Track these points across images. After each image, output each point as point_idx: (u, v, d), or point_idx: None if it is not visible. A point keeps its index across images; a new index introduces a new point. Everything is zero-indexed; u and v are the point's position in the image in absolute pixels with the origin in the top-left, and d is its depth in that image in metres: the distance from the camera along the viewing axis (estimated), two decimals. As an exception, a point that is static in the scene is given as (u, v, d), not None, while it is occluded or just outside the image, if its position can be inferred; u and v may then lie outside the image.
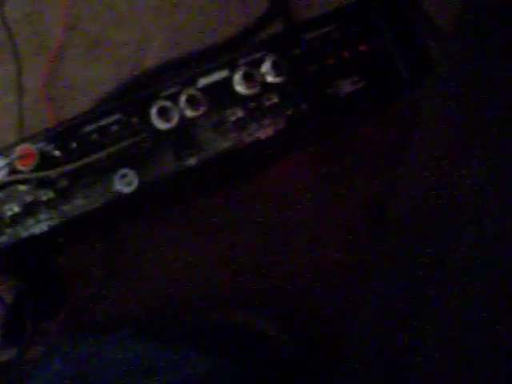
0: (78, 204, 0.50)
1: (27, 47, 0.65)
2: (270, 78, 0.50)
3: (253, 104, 0.50)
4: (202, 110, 0.50)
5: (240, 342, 0.58)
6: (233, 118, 0.50)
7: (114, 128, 0.50)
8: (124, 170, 0.49)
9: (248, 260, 0.64)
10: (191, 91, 0.49)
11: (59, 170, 0.48)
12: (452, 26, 0.49)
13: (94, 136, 0.50)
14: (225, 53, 0.51)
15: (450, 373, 0.41)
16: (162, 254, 0.63)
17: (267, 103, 0.50)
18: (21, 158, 0.47)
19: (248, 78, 0.49)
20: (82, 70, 0.65)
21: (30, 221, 0.50)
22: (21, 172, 0.47)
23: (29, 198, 0.49)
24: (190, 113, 0.50)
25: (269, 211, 0.63)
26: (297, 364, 0.59)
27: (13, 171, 0.48)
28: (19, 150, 0.47)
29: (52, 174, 0.48)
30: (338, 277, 0.62)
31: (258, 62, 0.50)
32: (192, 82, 0.50)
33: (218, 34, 0.64)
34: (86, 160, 0.48)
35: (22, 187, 0.49)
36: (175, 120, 0.50)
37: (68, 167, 0.48)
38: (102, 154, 0.48)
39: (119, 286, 0.64)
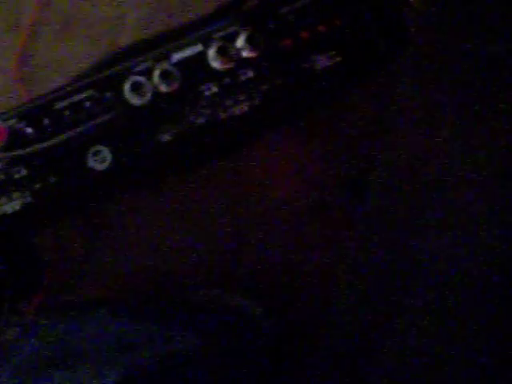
0: (51, 182, 0.49)
1: (0, 24, 0.64)
2: (245, 53, 0.49)
3: (228, 79, 0.49)
4: (176, 85, 0.49)
5: (221, 320, 0.58)
6: (207, 94, 0.49)
7: (87, 104, 0.49)
8: (97, 147, 0.49)
9: (228, 240, 0.63)
10: (165, 66, 0.49)
11: (31, 149, 0.47)
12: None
13: (67, 113, 0.49)
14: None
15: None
16: (143, 234, 0.63)
17: (242, 78, 0.49)
18: (-10, 134, 0.46)
19: (223, 53, 0.49)
20: (56, 47, 0.65)
21: (3, 199, 0.49)
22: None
23: (1, 177, 0.49)
24: (163, 88, 0.49)
25: (247, 191, 0.63)
26: (279, 344, 0.59)
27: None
28: (-11, 126, 0.47)
29: (25, 152, 0.47)
30: (318, 257, 0.62)
31: (233, 37, 0.49)
32: (166, 56, 0.49)
33: (195, 10, 0.63)
34: (57, 139, 0.48)
35: (-6, 165, 0.48)
36: (149, 95, 0.49)
37: (39, 146, 0.47)
38: (73, 131, 0.48)
39: (98, 267, 0.64)
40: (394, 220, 0.47)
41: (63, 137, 0.48)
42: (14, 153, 0.46)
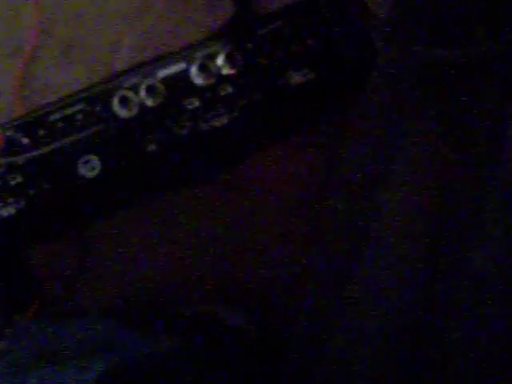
0: (45, 188, 0.52)
1: (2, 49, 0.67)
2: (224, 70, 0.53)
3: (209, 94, 0.53)
4: (161, 99, 0.53)
5: (204, 328, 0.60)
6: (190, 107, 0.53)
7: (79, 117, 0.53)
8: (88, 156, 0.53)
9: (216, 254, 0.65)
10: (151, 82, 0.53)
11: (26, 156, 0.51)
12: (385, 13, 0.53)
13: (60, 124, 0.53)
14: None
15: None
16: (133, 250, 0.65)
17: (222, 93, 0.53)
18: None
19: (204, 70, 0.53)
20: (55, 72, 0.68)
21: (-1, 205, 0.53)
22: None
23: (-3, 183, 0.52)
24: (149, 102, 0.53)
25: (236, 206, 0.65)
26: (263, 355, 0.61)
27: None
28: (-14, 134, 0.50)
29: (20, 159, 0.51)
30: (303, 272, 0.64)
31: (214, 56, 0.53)
32: (152, 73, 0.53)
33: (186, 38, 0.67)
34: (51, 146, 0.51)
35: (-9, 172, 0.52)
36: (136, 109, 0.53)
37: (35, 153, 0.51)
38: (66, 141, 0.52)
39: (91, 281, 0.65)
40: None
41: (56, 146, 0.52)
42: (9, 159, 0.50)
